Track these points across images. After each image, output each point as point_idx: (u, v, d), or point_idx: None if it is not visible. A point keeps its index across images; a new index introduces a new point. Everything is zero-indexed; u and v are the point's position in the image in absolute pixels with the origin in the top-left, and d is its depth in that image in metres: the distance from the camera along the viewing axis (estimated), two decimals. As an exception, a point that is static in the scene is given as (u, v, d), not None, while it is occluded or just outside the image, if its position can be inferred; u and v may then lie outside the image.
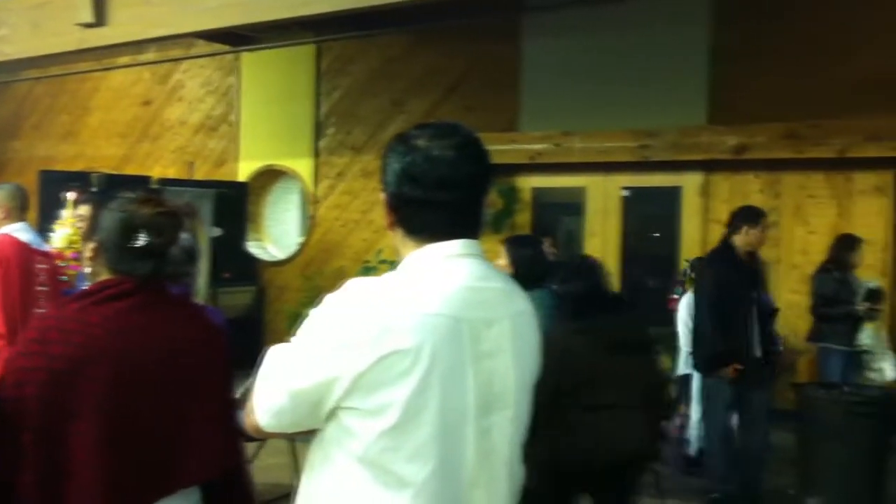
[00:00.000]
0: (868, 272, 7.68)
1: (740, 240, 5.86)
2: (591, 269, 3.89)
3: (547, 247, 6.62)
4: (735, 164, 8.82)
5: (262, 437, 2.09)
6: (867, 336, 6.88)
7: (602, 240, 9.54)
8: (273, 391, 1.73)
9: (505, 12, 9.56)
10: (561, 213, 10.49)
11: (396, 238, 1.81)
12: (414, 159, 1.74)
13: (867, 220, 8.29)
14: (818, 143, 8.26)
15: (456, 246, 1.76)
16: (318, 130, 11.27)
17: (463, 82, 10.25)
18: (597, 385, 3.17)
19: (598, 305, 3.59)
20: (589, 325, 3.37)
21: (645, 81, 9.08)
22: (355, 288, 1.70)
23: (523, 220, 9.92)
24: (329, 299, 1.71)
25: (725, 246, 5.95)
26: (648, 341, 3.85)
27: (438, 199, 1.73)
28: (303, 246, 11.38)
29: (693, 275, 6.42)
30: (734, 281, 5.81)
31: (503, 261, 4.11)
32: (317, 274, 10.50)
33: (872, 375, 6.72)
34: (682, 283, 7.13)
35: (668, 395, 4.28)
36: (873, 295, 6.82)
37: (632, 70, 9.15)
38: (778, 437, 6.64)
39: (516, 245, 4.32)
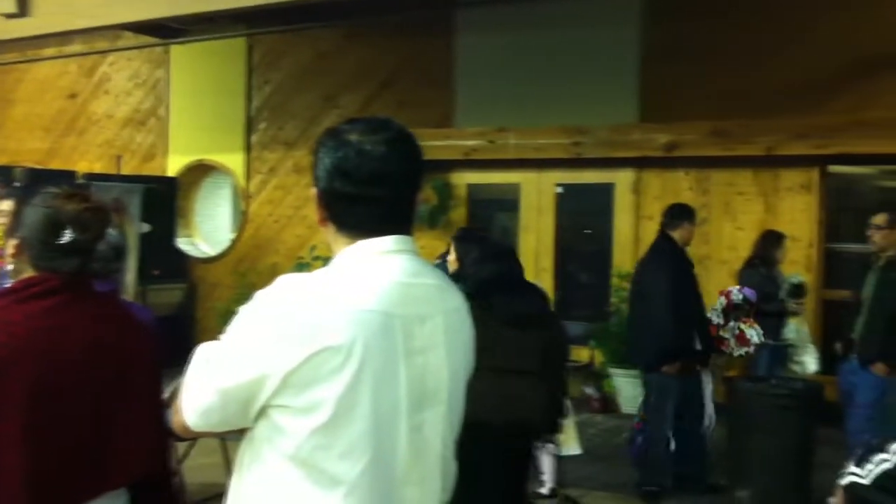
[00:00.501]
0: (794, 268, 7.88)
1: (678, 236, 6.02)
2: (502, 255, 4.22)
3: None
4: (666, 162, 8.96)
5: (190, 437, 2.04)
6: (791, 330, 7.05)
7: (536, 236, 9.61)
8: (202, 390, 1.69)
9: (438, 8, 9.55)
10: (496, 209, 10.54)
11: (328, 234, 1.79)
12: (346, 154, 1.72)
13: (793, 217, 8.50)
14: (746, 142, 8.43)
15: (388, 242, 1.74)
16: (250, 125, 11.13)
17: (396, 78, 10.22)
18: (495, 352, 3.30)
19: (505, 286, 3.88)
20: (491, 301, 3.65)
21: (578, 79, 9.17)
22: (286, 284, 1.67)
23: (458, 216, 9.94)
24: (259, 296, 1.68)
25: (670, 242, 6.05)
26: (546, 317, 4.09)
27: (370, 195, 1.71)
28: (235, 242, 11.23)
29: None
30: (686, 276, 5.97)
31: (452, 256, 4.32)
32: (249, 271, 10.37)
33: (795, 368, 6.88)
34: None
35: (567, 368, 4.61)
36: (797, 290, 6.98)
37: (565, 67, 9.23)
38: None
39: (464, 240, 4.47)
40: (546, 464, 5.86)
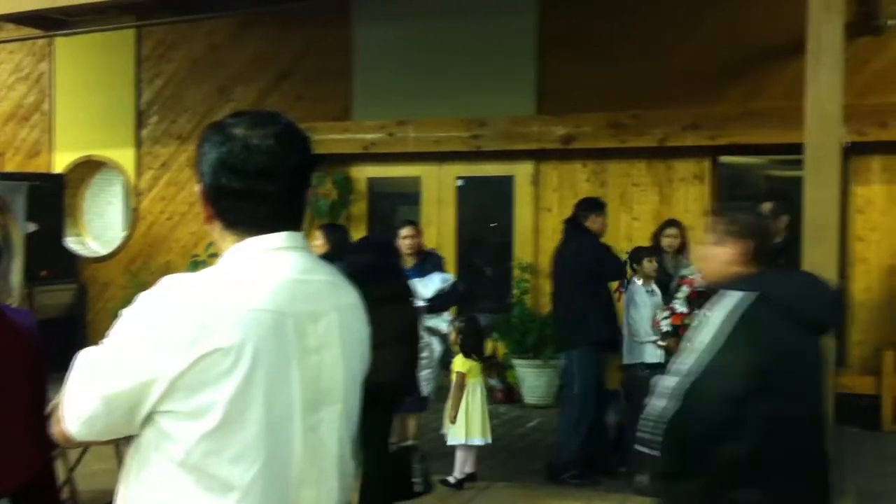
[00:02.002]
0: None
1: (591, 226, 6.35)
2: (377, 246, 5.29)
3: (408, 234, 6.78)
4: (563, 154, 9.07)
5: (72, 447, 1.95)
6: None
7: (438, 228, 9.60)
8: (84, 397, 1.61)
9: (334, -2, 9.44)
10: (397, 202, 10.50)
11: (214, 232, 1.73)
12: (232, 149, 1.66)
13: (687, 207, 8.71)
14: (640, 133, 8.61)
15: (279, 238, 1.69)
16: (140, 119, 10.80)
17: (293, 70, 10.06)
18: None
19: (378, 274, 4.58)
20: (363, 284, 4.31)
21: (476, 71, 9.20)
22: (170, 285, 1.61)
23: (359, 210, 9.86)
24: (143, 297, 1.61)
25: (589, 231, 6.37)
26: (406, 296, 4.97)
27: (259, 191, 1.66)
28: (126, 241, 10.89)
29: (635, 266, 6.54)
30: (608, 262, 6.35)
31: (319, 241, 5.29)
32: (142, 270, 10.07)
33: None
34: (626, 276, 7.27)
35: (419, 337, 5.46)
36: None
37: (463, 59, 9.25)
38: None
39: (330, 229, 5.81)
40: (457, 455, 5.92)
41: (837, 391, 5.49)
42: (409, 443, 5.58)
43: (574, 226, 6.53)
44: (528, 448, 6.85)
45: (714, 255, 2.75)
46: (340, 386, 1.72)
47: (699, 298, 6.12)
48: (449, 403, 5.98)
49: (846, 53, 5.73)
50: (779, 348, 2.57)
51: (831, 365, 5.05)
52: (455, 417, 5.91)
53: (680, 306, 6.19)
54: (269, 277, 1.63)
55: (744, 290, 2.60)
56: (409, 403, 6.49)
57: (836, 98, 5.30)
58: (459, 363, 6.05)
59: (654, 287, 6.40)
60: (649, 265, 6.43)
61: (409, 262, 6.72)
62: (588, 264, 6.32)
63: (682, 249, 7.01)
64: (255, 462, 1.56)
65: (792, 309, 2.61)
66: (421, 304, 6.42)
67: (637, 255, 6.53)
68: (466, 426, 5.88)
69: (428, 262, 6.74)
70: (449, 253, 9.46)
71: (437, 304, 6.52)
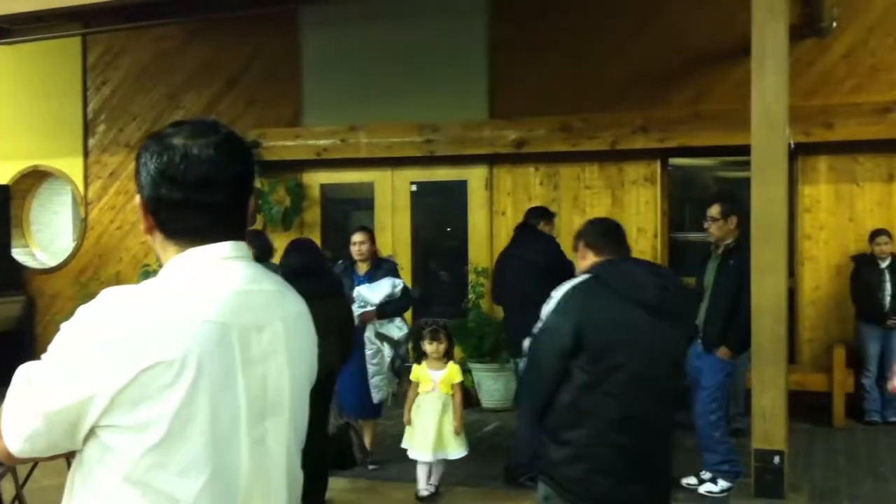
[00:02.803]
0: (641, 258, 8.14)
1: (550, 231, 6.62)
2: (304, 248, 5.46)
3: (360, 239, 6.71)
4: (516, 158, 9.10)
5: (16, 464, 1.90)
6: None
7: (392, 234, 9.58)
8: (24, 414, 1.57)
9: (283, 4, 9.36)
10: (350, 208, 10.46)
11: (155, 243, 1.70)
12: (171, 159, 1.63)
13: (639, 209, 8.79)
14: (591, 136, 8.67)
15: (222, 248, 1.67)
16: (88, 128, 10.63)
17: (243, 76, 9.98)
18: None
19: (307, 273, 4.73)
20: (294, 284, 4.62)
21: (427, 76, 9.20)
22: (110, 297, 1.57)
23: (312, 216, 9.80)
24: (82, 311, 1.57)
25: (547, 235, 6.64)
26: (332, 293, 5.06)
27: (200, 201, 1.64)
28: (75, 251, 10.70)
29: None
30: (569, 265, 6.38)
31: None
32: (91, 281, 9.89)
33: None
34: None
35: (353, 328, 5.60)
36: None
37: (414, 64, 9.25)
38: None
39: (252, 236, 5.47)
40: (434, 469, 5.88)
41: (789, 388, 5.57)
42: (344, 420, 5.55)
43: (531, 229, 6.64)
44: (487, 452, 6.84)
45: (578, 257, 3.62)
46: (287, 396, 1.70)
47: None
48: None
49: (791, 56, 5.83)
50: (599, 315, 3.22)
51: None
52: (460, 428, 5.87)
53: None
54: (212, 288, 1.61)
55: (585, 276, 3.38)
56: (360, 408, 6.51)
57: (781, 100, 5.39)
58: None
59: None
60: None
61: (362, 269, 6.68)
62: (555, 265, 6.37)
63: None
64: (201, 475, 1.54)
65: (616, 288, 3.26)
66: (369, 308, 6.42)
67: None
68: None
69: (381, 268, 6.70)
70: (404, 258, 9.45)
71: (388, 309, 6.49)
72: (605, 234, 3.56)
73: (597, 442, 3.20)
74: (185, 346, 1.52)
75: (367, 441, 6.69)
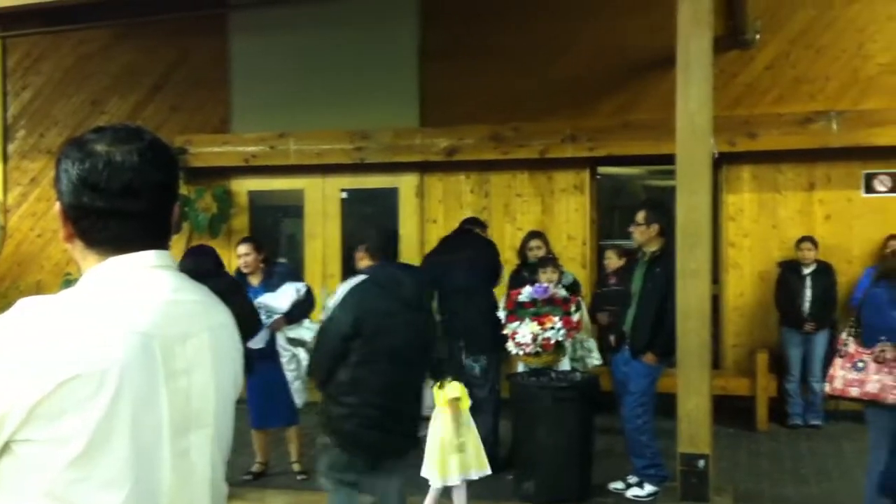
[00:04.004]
0: (571, 265, 8.24)
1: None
2: (199, 252, 5.92)
3: (244, 252, 6.62)
4: (447, 166, 9.11)
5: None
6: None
7: (323, 242, 9.50)
8: (-65, 429, 1.50)
9: (210, 8, 9.23)
10: (280, 215, 10.33)
11: (75, 251, 1.65)
12: (93, 166, 1.59)
13: (568, 217, 8.88)
14: (521, 145, 8.72)
15: (145, 258, 1.63)
16: (7, 133, 10.33)
17: (169, 81, 9.80)
18: None
19: (203, 275, 4.80)
20: None
21: (358, 83, 9.16)
22: (27, 308, 1.52)
23: (240, 224, 9.66)
24: None
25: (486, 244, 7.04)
26: (226, 293, 5.14)
27: (123, 209, 1.60)
28: (-6, 260, 10.37)
29: (539, 274, 6.84)
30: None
31: None
32: (10, 290, 9.61)
33: (576, 363, 7.15)
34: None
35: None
36: (573, 287, 7.27)
37: (345, 71, 9.20)
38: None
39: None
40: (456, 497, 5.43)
41: (714, 393, 5.67)
42: None
43: (472, 235, 7.03)
44: (420, 457, 6.82)
45: (358, 258, 4.56)
46: (211, 409, 1.67)
47: (522, 309, 6.22)
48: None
49: (715, 67, 5.94)
50: (371, 308, 4.16)
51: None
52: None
53: (501, 315, 6.35)
54: (134, 298, 1.57)
55: (362, 276, 4.31)
56: (285, 417, 6.46)
57: (706, 110, 5.48)
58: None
59: None
60: (544, 276, 6.59)
61: (255, 280, 6.53)
62: (496, 268, 6.97)
63: (549, 257, 7.19)
64: (122, 489, 1.50)
65: (384, 286, 4.22)
66: (276, 317, 6.36)
67: (540, 265, 6.93)
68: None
69: (275, 274, 6.61)
70: (334, 266, 9.39)
71: (295, 313, 6.44)
72: (382, 242, 4.48)
73: (366, 404, 4.18)
74: (105, 357, 1.48)
75: (293, 450, 6.62)
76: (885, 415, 5.08)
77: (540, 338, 6.06)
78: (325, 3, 8.83)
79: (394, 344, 4.16)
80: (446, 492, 5.44)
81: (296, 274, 6.88)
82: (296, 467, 6.62)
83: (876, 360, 5.01)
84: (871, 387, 5.05)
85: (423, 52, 9.15)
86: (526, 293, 6.27)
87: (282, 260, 7.71)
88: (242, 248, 6.62)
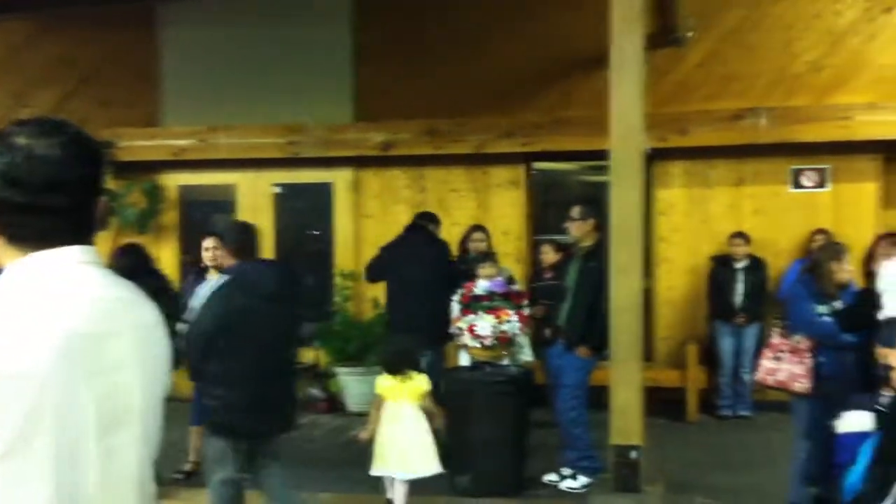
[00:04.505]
0: (506, 260, 8.26)
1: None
2: (132, 251, 6.11)
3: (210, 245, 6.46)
4: (383, 161, 9.08)
5: None
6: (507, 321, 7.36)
7: (255, 238, 9.37)
8: None
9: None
10: (211, 210, 10.17)
11: None
12: (14, 160, 1.54)
13: (504, 212, 8.92)
14: (457, 140, 8.73)
15: (69, 253, 1.58)
16: (-74, 125, 9.94)
17: (96, 74, 9.57)
18: None
19: (140, 274, 4.95)
20: None
21: (292, 76, 9.06)
22: None
23: (170, 219, 9.49)
24: None
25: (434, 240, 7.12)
26: (156, 292, 5.29)
27: (46, 204, 1.55)
28: (-88, 256, 10.00)
29: (477, 270, 6.76)
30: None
31: None
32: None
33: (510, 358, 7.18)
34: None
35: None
36: (509, 282, 7.30)
37: (278, 64, 9.09)
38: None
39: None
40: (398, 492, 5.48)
41: (645, 385, 5.75)
42: None
43: (426, 231, 7.11)
44: (354, 457, 6.77)
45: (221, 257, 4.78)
46: (138, 407, 1.63)
47: (478, 302, 6.25)
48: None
49: (647, 65, 6.02)
50: (235, 305, 4.43)
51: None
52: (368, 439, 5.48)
53: (455, 310, 6.37)
54: (58, 295, 1.52)
55: (226, 275, 4.59)
56: (198, 414, 6.36)
57: (637, 107, 5.55)
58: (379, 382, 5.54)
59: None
60: (483, 271, 6.58)
61: (215, 275, 6.45)
62: (447, 265, 7.09)
63: (489, 253, 7.21)
64: (45, 490, 1.45)
65: (246, 284, 4.48)
66: None
67: (478, 260, 6.87)
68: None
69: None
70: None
71: None
72: (239, 241, 4.70)
73: (236, 393, 4.48)
74: (28, 356, 1.43)
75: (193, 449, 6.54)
76: (805, 404, 5.28)
77: (497, 331, 6.10)
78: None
79: (258, 336, 4.46)
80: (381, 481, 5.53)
81: None
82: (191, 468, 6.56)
83: (791, 351, 5.23)
84: (782, 375, 5.34)
85: (358, 46, 9.09)
86: (482, 287, 6.30)
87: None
88: (209, 242, 6.44)
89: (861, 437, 3.67)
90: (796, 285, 5.63)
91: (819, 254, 5.58)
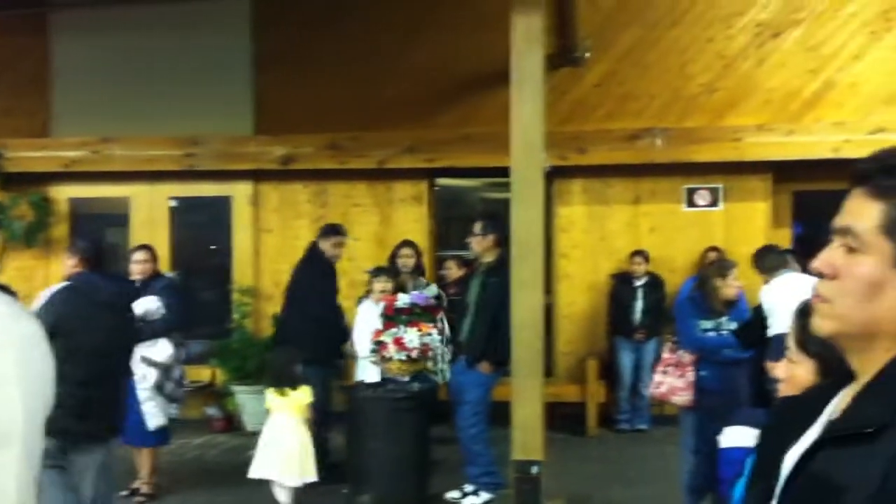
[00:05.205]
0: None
1: (325, 248, 6.89)
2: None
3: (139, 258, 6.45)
4: (283, 175, 8.94)
5: None
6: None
7: (151, 252, 9.09)
8: None
9: (29, 7, 8.70)
10: (104, 224, 9.84)
11: None
12: None
13: (407, 227, 8.87)
14: (360, 155, 8.67)
15: None
16: None
17: (-16, 81, 9.16)
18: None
19: None
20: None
21: (189, 88, 8.85)
22: None
23: (60, 232, 9.12)
24: None
25: (317, 252, 6.92)
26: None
27: None
28: None
29: (373, 284, 6.71)
30: (330, 280, 6.97)
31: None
32: None
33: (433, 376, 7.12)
34: (367, 294, 7.12)
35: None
36: (437, 299, 7.24)
37: (175, 75, 8.88)
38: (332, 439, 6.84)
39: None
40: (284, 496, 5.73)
41: (546, 400, 5.79)
42: None
43: (312, 248, 7.03)
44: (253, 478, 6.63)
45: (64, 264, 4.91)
46: (19, 426, 1.51)
47: (400, 315, 6.22)
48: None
49: (548, 84, 6.09)
50: (70, 311, 4.55)
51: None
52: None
53: (377, 323, 6.30)
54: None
55: (65, 282, 4.75)
56: (129, 434, 6.14)
57: (538, 125, 5.60)
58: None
59: None
60: (377, 285, 6.52)
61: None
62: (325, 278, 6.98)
63: (417, 269, 7.17)
64: None
65: (84, 292, 4.66)
66: None
67: (373, 274, 6.83)
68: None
69: (153, 288, 6.29)
70: (163, 277, 9.00)
71: (146, 331, 6.14)
72: (93, 254, 4.87)
73: (69, 395, 4.31)
74: None
75: (143, 471, 6.31)
76: (690, 418, 5.43)
77: (421, 343, 6.08)
78: (154, 6, 8.51)
79: (93, 342, 4.60)
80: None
81: (173, 290, 6.49)
82: (140, 487, 6.34)
83: (675, 365, 5.44)
84: (664, 388, 5.57)
85: (258, 58, 8.95)
86: (404, 299, 6.24)
87: (170, 273, 7.31)
88: (140, 255, 6.35)
89: (745, 452, 3.75)
90: (684, 302, 5.82)
91: (705, 271, 5.74)
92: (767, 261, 5.66)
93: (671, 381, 5.50)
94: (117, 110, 8.86)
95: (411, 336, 6.07)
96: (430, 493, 6.18)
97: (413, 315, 6.17)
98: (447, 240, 9.38)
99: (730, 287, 5.44)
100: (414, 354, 6.09)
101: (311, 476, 5.69)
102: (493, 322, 6.06)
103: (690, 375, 5.40)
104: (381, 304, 6.41)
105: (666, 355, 5.60)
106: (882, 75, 8.33)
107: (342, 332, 6.96)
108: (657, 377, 5.62)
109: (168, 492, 6.42)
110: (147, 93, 8.85)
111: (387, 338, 6.13)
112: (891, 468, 1.12)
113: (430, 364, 6.37)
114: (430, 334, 6.15)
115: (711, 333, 5.44)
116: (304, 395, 5.74)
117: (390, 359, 6.17)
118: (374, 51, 8.75)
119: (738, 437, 3.40)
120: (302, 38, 8.82)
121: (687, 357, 5.44)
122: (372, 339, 6.19)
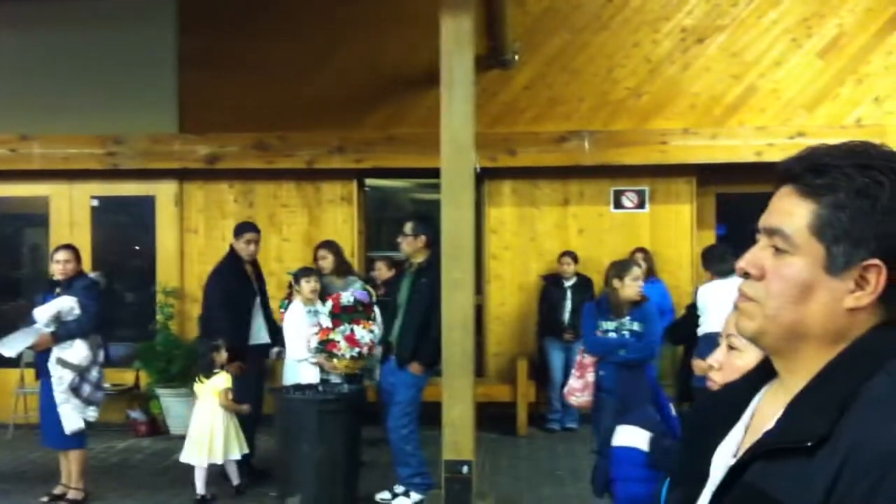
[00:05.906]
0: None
1: (238, 248, 6.84)
2: None
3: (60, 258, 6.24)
4: (209, 174, 8.79)
5: None
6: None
7: (71, 253, 8.84)
8: None
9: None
10: (22, 224, 9.55)
11: None
12: None
13: (336, 228, 8.80)
14: (287, 154, 8.57)
15: None
16: None
17: None
18: None
19: None
20: None
21: (111, 85, 8.65)
22: None
23: (-25, 233, 8.83)
24: None
25: (231, 252, 6.90)
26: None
27: None
28: None
29: (297, 287, 6.63)
30: (240, 281, 6.85)
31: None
32: None
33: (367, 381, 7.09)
34: (289, 296, 6.98)
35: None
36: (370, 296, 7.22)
37: (97, 72, 8.66)
38: (260, 441, 6.75)
39: None
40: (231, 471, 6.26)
41: (477, 400, 5.80)
42: None
43: (229, 249, 6.97)
44: (176, 481, 6.50)
45: None
46: None
47: (348, 313, 6.19)
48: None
49: (477, 85, 6.10)
50: None
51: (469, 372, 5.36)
52: None
53: (325, 322, 6.24)
54: None
55: None
56: (48, 437, 6.01)
57: (468, 127, 5.60)
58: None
59: (319, 307, 6.43)
60: (307, 286, 6.47)
61: (58, 290, 6.13)
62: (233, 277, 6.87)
63: (340, 268, 7.11)
64: None
65: None
66: (44, 331, 5.92)
67: (296, 276, 6.73)
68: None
69: (73, 287, 6.13)
70: (84, 279, 8.77)
71: (61, 332, 5.98)
72: None
73: None
74: None
75: (70, 475, 6.13)
76: (596, 417, 5.53)
77: (368, 339, 6.14)
78: (76, 2, 8.28)
79: None
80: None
81: (93, 291, 6.29)
82: (65, 492, 6.17)
83: (578, 366, 5.56)
84: (566, 388, 5.71)
85: (182, 56, 8.77)
86: (347, 297, 6.21)
87: (92, 274, 7.08)
88: (62, 255, 6.17)
89: (637, 451, 3.76)
90: (590, 303, 5.91)
91: (606, 272, 5.80)
92: (727, 265, 5.78)
93: (571, 383, 5.61)
94: (37, 107, 8.60)
95: (361, 332, 6.09)
96: (361, 494, 6.13)
97: (356, 313, 6.18)
98: (377, 240, 9.34)
99: (628, 287, 5.51)
100: (364, 351, 6.16)
101: (235, 454, 6.19)
102: (424, 323, 6.05)
103: (589, 376, 5.48)
104: (318, 305, 6.45)
105: (578, 357, 5.69)
106: (802, 81, 8.56)
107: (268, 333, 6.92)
108: (570, 379, 5.72)
109: (94, 497, 6.25)
110: (68, 89, 8.62)
111: (336, 336, 6.10)
112: (832, 485, 1.07)
113: (370, 361, 6.46)
114: (372, 331, 6.24)
115: (612, 334, 5.52)
116: (221, 381, 6.12)
117: (341, 356, 6.14)
118: (301, 49, 8.65)
119: (630, 436, 3.45)
120: (228, 36, 8.67)
121: (588, 358, 5.52)
122: (319, 339, 6.15)
